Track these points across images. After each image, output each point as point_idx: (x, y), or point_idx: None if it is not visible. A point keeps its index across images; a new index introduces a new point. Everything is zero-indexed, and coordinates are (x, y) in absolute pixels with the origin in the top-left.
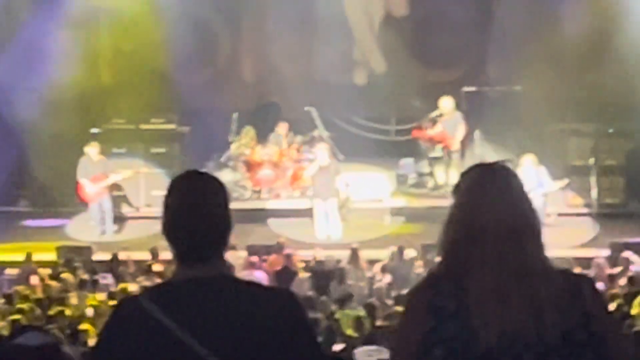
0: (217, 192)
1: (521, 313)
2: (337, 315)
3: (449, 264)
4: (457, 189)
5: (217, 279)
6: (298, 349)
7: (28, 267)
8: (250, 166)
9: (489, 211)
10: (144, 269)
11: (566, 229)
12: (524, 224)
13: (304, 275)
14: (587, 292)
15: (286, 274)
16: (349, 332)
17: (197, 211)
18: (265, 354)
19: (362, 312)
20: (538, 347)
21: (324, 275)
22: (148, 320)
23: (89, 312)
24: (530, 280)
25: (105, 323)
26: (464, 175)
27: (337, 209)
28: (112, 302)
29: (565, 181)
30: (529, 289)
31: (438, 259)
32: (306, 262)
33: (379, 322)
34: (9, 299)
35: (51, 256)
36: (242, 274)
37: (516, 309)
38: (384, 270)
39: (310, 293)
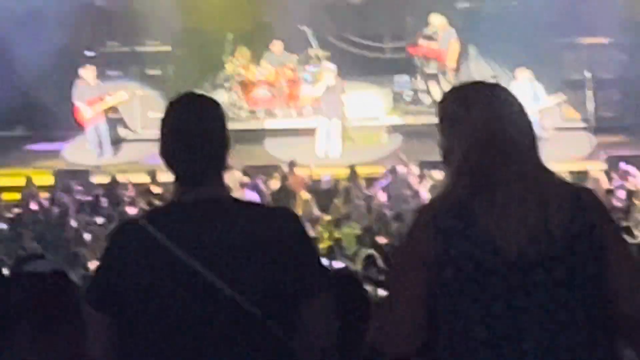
0: (214, 113)
1: (535, 224)
2: (336, 235)
3: (456, 181)
4: (447, 107)
5: (218, 200)
6: (300, 264)
7: (27, 191)
8: (246, 86)
9: (495, 126)
10: (143, 191)
11: (562, 143)
12: (528, 137)
13: (305, 195)
14: (589, 203)
15: (284, 193)
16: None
17: (196, 133)
18: (268, 271)
19: (358, 231)
20: (548, 258)
21: (325, 195)
22: (149, 243)
23: (87, 236)
24: (540, 191)
25: (106, 247)
26: (455, 92)
27: (340, 127)
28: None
29: (561, 96)
30: (540, 200)
31: (442, 176)
32: (306, 182)
33: (380, 240)
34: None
35: (49, 180)
36: (236, 194)
37: (532, 219)
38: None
39: (315, 213)
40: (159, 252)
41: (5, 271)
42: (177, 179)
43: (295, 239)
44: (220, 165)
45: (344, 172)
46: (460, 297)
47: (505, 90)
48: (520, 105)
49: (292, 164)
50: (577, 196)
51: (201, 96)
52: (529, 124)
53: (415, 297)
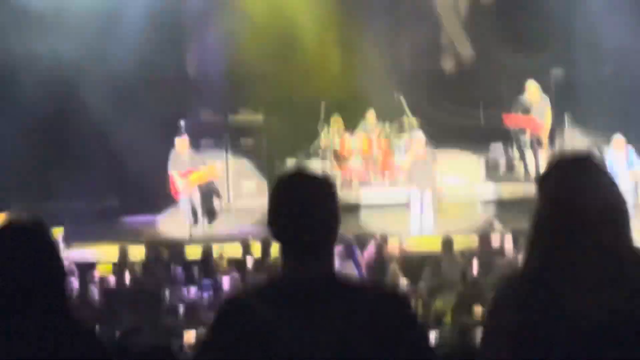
0: (328, 188)
1: (617, 300)
2: (434, 305)
3: (540, 256)
4: (544, 181)
5: (325, 279)
6: (411, 351)
7: (121, 263)
8: (339, 156)
9: (581, 201)
10: (236, 262)
11: None
12: (618, 212)
13: (395, 265)
14: None
15: (379, 264)
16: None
17: (309, 207)
18: (377, 356)
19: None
20: (627, 335)
21: (417, 265)
22: (256, 321)
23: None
24: (626, 268)
25: (213, 322)
26: (547, 167)
27: (432, 200)
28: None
29: None
30: (624, 277)
31: (527, 251)
32: (399, 252)
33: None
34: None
35: (142, 253)
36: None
37: (613, 297)
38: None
39: (404, 283)
40: (266, 331)
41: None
42: (286, 253)
43: (406, 325)
44: (329, 241)
45: (436, 243)
46: None
47: (595, 162)
48: (610, 179)
49: (383, 237)
50: None
51: (313, 173)
52: (618, 198)
53: None
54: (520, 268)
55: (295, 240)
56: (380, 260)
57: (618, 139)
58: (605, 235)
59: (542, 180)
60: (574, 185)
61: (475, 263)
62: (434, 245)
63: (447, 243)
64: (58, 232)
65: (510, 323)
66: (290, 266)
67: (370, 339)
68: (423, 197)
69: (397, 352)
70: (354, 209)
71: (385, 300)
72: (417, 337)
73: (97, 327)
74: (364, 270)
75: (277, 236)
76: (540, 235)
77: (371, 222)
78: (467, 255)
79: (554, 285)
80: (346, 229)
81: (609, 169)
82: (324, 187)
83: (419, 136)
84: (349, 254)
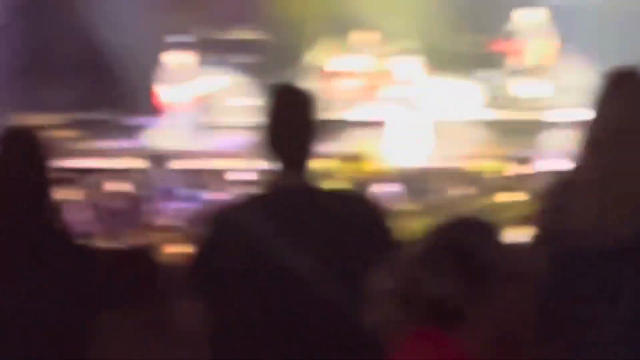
0: (312, 102)
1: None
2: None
3: (584, 165)
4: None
5: (309, 186)
6: (377, 243)
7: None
8: (327, 76)
9: (625, 114)
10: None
11: None
12: None
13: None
14: None
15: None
16: None
17: (299, 121)
18: (354, 251)
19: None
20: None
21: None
22: (249, 230)
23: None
24: None
25: (208, 230)
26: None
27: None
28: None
29: None
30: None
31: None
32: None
33: None
34: None
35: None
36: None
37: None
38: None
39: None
40: (258, 240)
41: None
42: (279, 163)
43: (374, 222)
44: (312, 153)
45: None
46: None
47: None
48: None
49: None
50: None
51: (298, 87)
52: None
53: None
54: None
55: (281, 151)
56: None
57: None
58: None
59: (598, 95)
60: (626, 99)
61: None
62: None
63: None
64: None
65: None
66: (283, 176)
67: (346, 237)
68: (414, 120)
69: (366, 246)
70: (340, 128)
71: (356, 203)
72: (382, 232)
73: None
74: None
75: (271, 150)
76: (593, 145)
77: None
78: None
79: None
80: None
81: None
82: (304, 102)
83: (413, 65)
84: None
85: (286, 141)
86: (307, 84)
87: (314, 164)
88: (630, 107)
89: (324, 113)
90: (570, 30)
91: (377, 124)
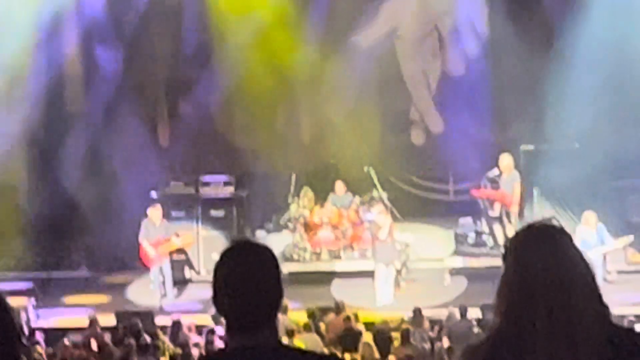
0: (267, 262)
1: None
2: None
3: (504, 326)
4: (507, 252)
5: (267, 348)
6: None
7: (89, 331)
8: (309, 227)
9: (539, 272)
10: (207, 333)
11: (627, 287)
12: (576, 282)
13: (368, 336)
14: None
15: (351, 335)
16: None
17: (247, 282)
18: None
19: None
20: None
21: (388, 336)
22: None
23: None
24: (586, 340)
25: None
26: (512, 238)
27: (395, 274)
28: None
29: (629, 238)
30: (583, 350)
31: (495, 320)
32: (368, 323)
33: None
34: None
35: (111, 320)
36: (297, 336)
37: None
38: (441, 330)
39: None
40: None
41: None
42: (228, 325)
43: None
44: (272, 313)
45: (404, 316)
46: None
47: (554, 231)
48: (575, 246)
49: (339, 306)
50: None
51: (255, 244)
52: (580, 266)
53: None
54: (486, 336)
55: (232, 317)
56: (352, 332)
57: (589, 214)
58: (561, 308)
59: (509, 248)
60: (540, 251)
61: (445, 335)
62: (397, 319)
63: (418, 314)
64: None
65: None
66: (232, 338)
67: None
68: (388, 272)
69: None
70: (325, 280)
71: None
72: None
73: None
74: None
75: (220, 310)
76: (506, 303)
77: (342, 294)
78: (437, 327)
79: (519, 351)
80: (317, 300)
81: (578, 245)
82: (264, 260)
83: (380, 209)
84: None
85: (233, 302)
86: (290, 235)
87: (284, 320)
88: (555, 256)
89: (309, 264)
90: (536, 175)
91: (358, 275)
